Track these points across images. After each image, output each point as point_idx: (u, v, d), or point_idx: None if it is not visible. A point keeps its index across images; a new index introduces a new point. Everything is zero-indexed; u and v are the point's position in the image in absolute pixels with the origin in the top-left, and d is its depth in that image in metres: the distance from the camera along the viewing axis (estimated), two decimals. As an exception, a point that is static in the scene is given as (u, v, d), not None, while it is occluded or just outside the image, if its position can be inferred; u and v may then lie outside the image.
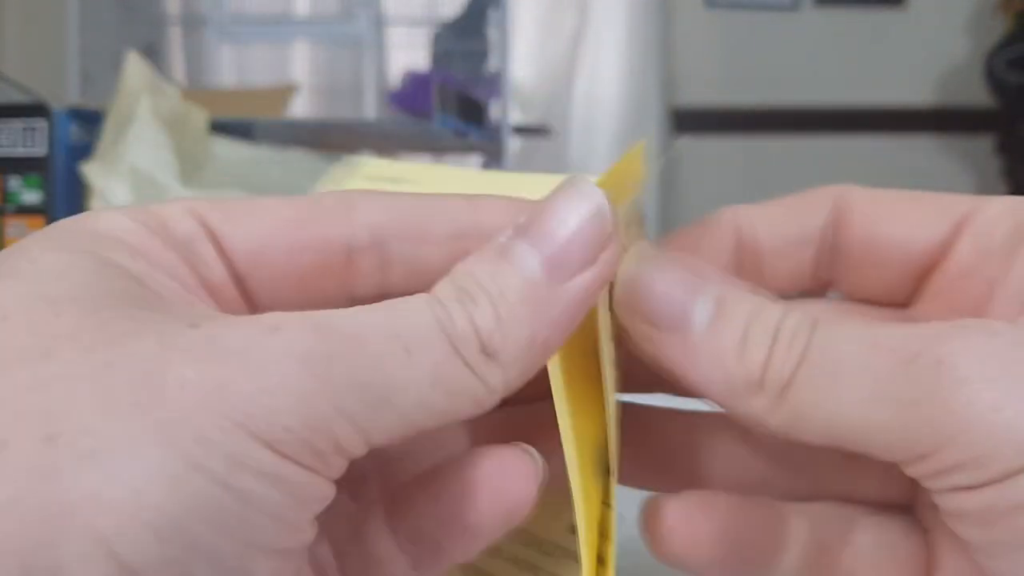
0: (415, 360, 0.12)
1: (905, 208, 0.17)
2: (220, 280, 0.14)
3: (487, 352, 0.13)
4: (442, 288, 0.13)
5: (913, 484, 0.15)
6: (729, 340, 0.14)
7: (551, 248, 0.13)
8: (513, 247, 0.13)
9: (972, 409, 0.13)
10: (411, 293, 0.13)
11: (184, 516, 0.10)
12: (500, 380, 0.13)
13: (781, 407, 0.14)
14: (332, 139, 1.10)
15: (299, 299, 0.15)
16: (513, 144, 1.83)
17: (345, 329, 0.12)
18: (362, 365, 0.12)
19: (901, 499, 0.16)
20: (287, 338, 0.12)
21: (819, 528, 0.16)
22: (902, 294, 0.17)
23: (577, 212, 0.13)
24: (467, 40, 1.80)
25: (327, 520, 0.13)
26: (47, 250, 0.13)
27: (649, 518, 0.16)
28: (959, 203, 0.16)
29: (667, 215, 1.89)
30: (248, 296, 0.15)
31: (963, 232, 0.16)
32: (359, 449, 0.12)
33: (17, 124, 0.56)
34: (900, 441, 0.13)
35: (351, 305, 0.13)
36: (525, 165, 1.97)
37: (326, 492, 0.12)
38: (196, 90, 1.63)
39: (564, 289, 0.13)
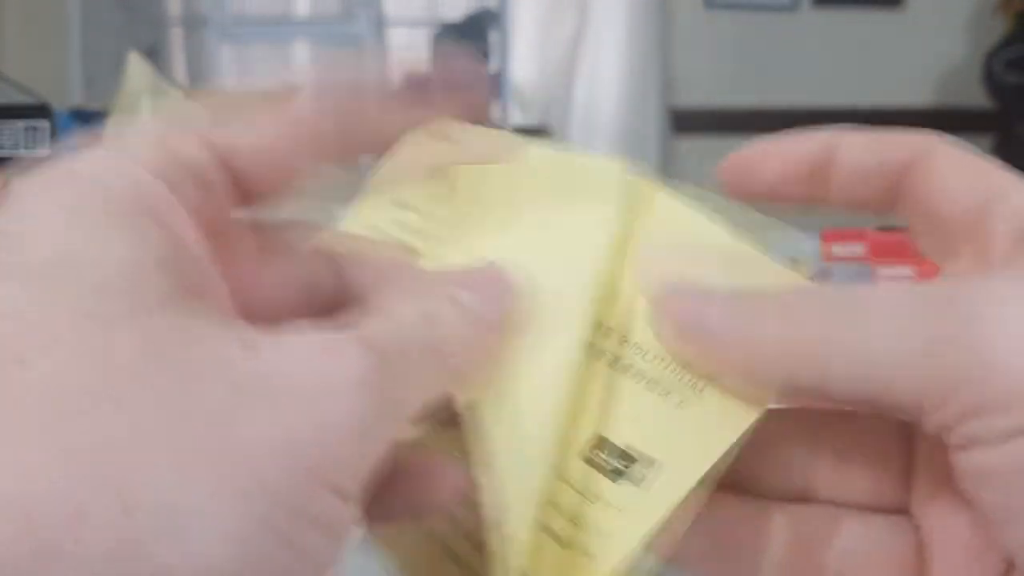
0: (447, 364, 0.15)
1: (963, 168, 0.17)
2: (223, 200, 0.15)
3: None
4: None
5: (906, 483, 0.15)
6: (751, 312, 0.15)
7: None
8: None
9: (999, 353, 0.13)
10: None
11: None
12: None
13: (809, 358, 0.14)
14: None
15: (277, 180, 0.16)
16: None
17: (391, 347, 0.13)
18: (407, 383, 0.13)
19: (893, 502, 0.16)
20: (343, 363, 0.12)
21: (804, 527, 0.16)
22: (944, 250, 0.17)
23: None
24: (467, 41, 1.80)
25: None
26: (72, 227, 0.12)
27: None
28: (992, 178, 0.17)
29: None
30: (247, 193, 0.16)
31: (995, 213, 0.16)
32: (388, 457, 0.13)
33: (19, 124, 0.57)
34: (925, 379, 0.13)
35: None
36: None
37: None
38: (198, 90, 1.63)
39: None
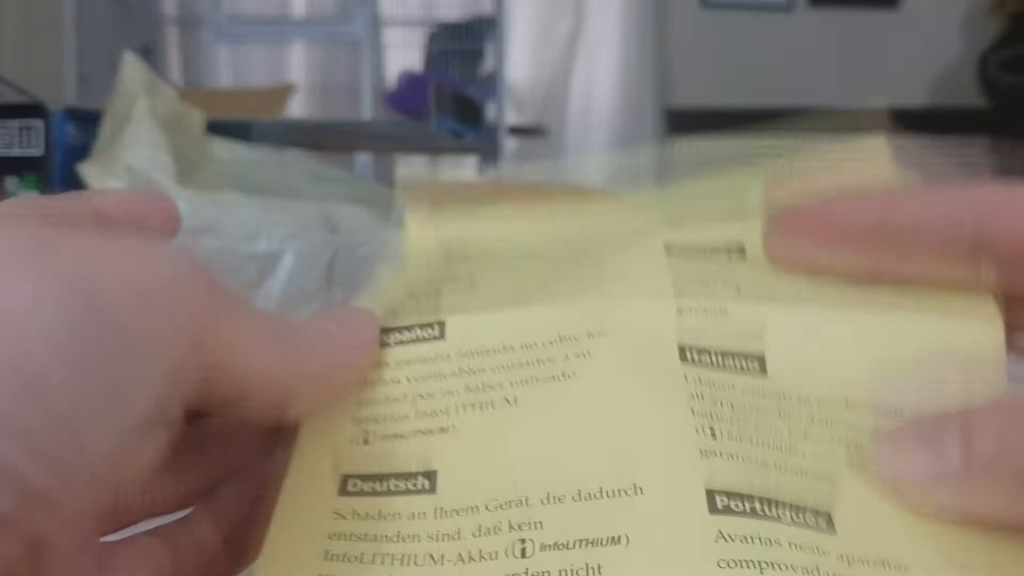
0: None
1: None
2: None
3: None
4: None
5: None
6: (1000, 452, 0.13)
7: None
8: None
9: None
10: None
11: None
12: None
13: None
14: (329, 140, 1.10)
15: None
16: (509, 145, 1.83)
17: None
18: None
19: None
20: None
21: None
22: None
23: None
24: (463, 42, 1.80)
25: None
26: None
27: None
28: None
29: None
30: None
31: None
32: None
33: (14, 124, 0.57)
34: None
35: None
36: (520, 165, 1.97)
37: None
38: (193, 91, 1.63)
39: None
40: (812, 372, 0.16)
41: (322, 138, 1.10)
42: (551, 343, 0.17)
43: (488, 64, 1.84)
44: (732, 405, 0.15)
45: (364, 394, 0.17)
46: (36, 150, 0.56)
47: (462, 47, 1.83)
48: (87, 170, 0.51)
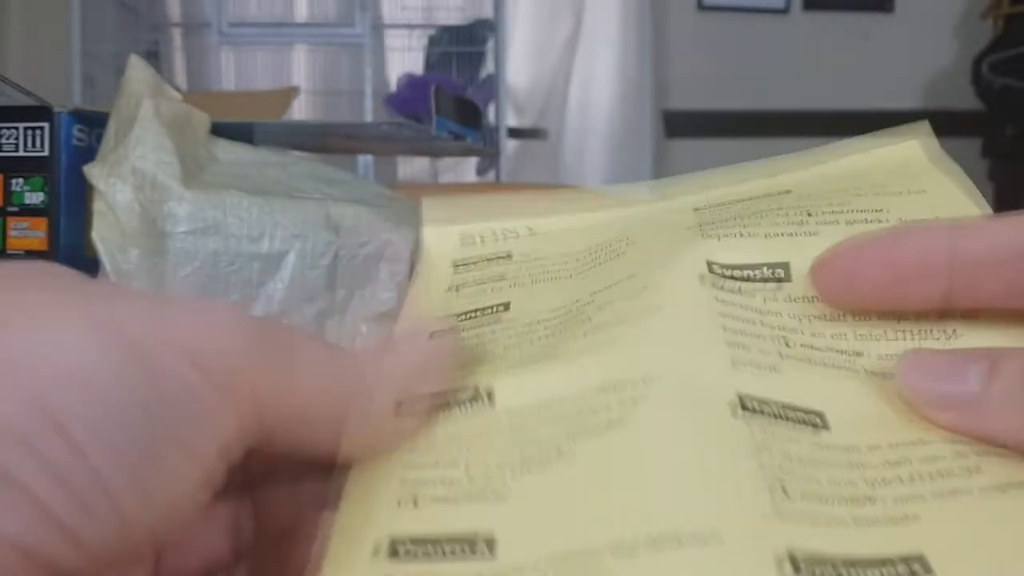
0: None
1: None
2: None
3: None
4: None
5: None
6: (1018, 387, 0.15)
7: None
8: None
9: None
10: None
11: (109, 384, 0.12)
12: None
13: None
14: (331, 142, 1.11)
15: None
16: (508, 147, 1.84)
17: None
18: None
19: None
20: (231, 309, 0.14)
21: None
22: None
23: None
24: (463, 45, 1.81)
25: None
26: None
27: None
28: None
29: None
30: None
31: None
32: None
33: (20, 126, 0.57)
34: None
35: None
36: (519, 167, 1.98)
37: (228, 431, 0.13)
38: (197, 93, 1.64)
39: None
40: (877, 423, 0.16)
41: (324, 140, 1.11)
42: (600, 391, 0.16)
43: (488, 67, 1.85)
44: (800, 459, 0.15)
45: (411, 457, 0.16)
46: (42, 152, 0.57)
47: (462, 50, 1.83)
48: (93, 171, 0.52)
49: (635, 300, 0.18)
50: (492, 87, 1.75)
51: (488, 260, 0.21)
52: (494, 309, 0.19)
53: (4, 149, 0.55)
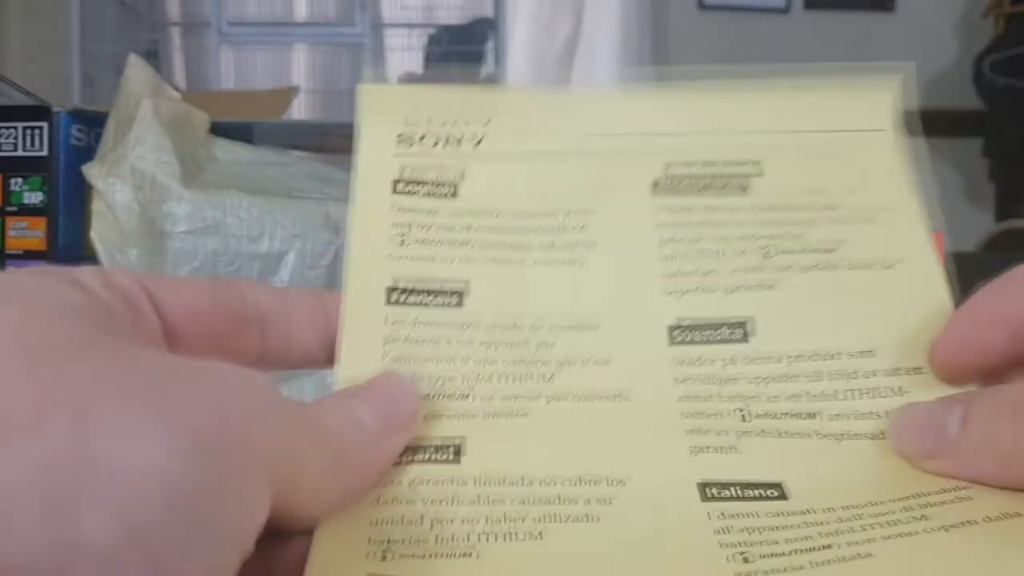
0: None
1: None
2: (155, 331, 0.17)
3: None
4: None
5: None
6: (987, 431, 0.17)
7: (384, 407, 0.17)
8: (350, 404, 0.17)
9: None
10: (280, 360, 0.18)
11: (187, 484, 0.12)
12: None
13: None
14: (331, 141, 1.11)
15: (208, 352, 0.18)
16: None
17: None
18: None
19: None
20: (262, 377, 0.15)
21: None
22: None
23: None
24: (463, 44, 1.81)
25: None
26: (40, 278, 0.15)
27: None
28: None
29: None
30: (172, 345, 0.17)
31: None
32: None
33: (19, 126, 0.57)
34: None
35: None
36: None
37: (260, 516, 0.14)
38: (197, 93, 1.64)
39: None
40: (832, 486, 0.17)
41: (324, 139, 1.11)
42: (572, 482, 0.17)
43: (488, 66, 1.85)
44: (759, 529, 0.16)
45: (379, 512, 0.17)
46: (41, 151, 0.57)
47: (462, 50, 1.83)
48: (92, 171, 0.52)
49: (599, 378, 0.19)
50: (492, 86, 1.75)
51: (432, 193, 0.22)
52: (448, 297, 0.20)
53: (3, 149, 0.55)
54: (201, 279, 0.18)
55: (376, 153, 0.22)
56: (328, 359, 0.20)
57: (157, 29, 1.87)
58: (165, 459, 0.12)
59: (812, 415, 0.18)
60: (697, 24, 2.08)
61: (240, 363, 0.17)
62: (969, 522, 0.16)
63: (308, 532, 0.16)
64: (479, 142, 0.22)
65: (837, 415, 0.18)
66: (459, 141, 0.22)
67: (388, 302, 0.20)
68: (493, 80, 1.76)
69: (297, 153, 0.67)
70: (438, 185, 0.21)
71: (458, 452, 0.18)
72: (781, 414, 0.18)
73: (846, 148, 0.22)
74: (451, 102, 0.22)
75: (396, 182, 0.21)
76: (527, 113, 0.23)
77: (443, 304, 0.20)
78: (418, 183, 0.21)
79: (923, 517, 0.16)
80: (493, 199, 0.21)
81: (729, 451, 0.18)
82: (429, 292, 0.20)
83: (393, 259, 0.20)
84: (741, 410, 0.19)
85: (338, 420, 0.16)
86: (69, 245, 0.54)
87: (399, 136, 0.22)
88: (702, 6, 2.07)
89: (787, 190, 0.22)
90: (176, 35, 1.92)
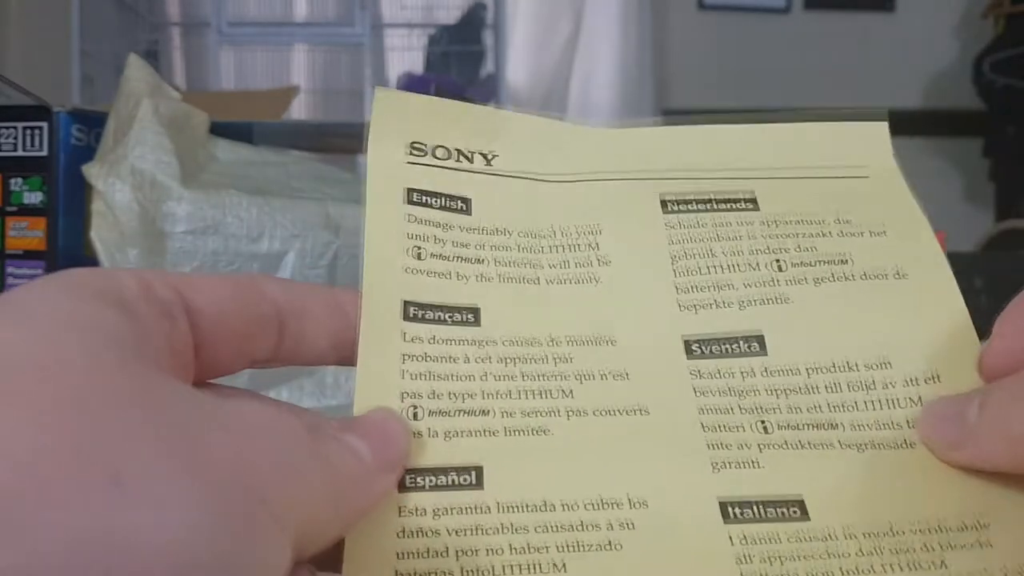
0: None
1: None
2: (186, 345, 0.17)
3: None
4: None
5: None
6: (1001, 415, 0.17)
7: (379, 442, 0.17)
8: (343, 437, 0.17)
9: None
10: (293, 358, 0.19)
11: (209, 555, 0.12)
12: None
13: None
14: (331, 141, 1.11)
15: (232, 354, 0.18)
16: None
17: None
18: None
19: None
20: (293, 422, 0.15)
21: None
22: None
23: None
24: (463, 43, 1.81)
25: None
26: (76, 299, 0.15)
27: None
28: None
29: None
30: (199, 350, 0.18)
31: None
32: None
33: (19, 126, 0.57)
34: None
35: (251, 365, 0.17)
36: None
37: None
38: (197, 93, 1.64)
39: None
40: (852, 503, 0.17)
41: (324, 139, 1.11)
42: (593, 506, 0.17)
43: (488, 66, 1.85)
44: (780, 557, 0.16)
45: (405, 545, 0.17)
46: (40, 151, 0.57)
47: (462, 49, 1.83)
48: (91, 171, 0.52)
49: (618, 393, 0.19)
50: (492, 86, 1.75)
51: (446, 207, 0.22)
52: (463, 315, 0.20)
53: (3, 149, 0.55)
54: (225, 279, 0.18)
55: (388, 158, 0.22)
56: (339, 358, 0.20)
57: (157, 29, 1.87)
58: (193, 534, 0.12)
59: (833, 425, 0.19)
60: (697, 24, 2.08)
61: (256, 363, 0.18)
62: (986, 571, 0.16)
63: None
64: (490, 161, 0.22)
65: (858, 425, 0.18)
66: (471, 157, 0.22)
67: (405, 317, 0.20)
68: (493, 80, 1.76)
69: (297, 153, 0.67)
70: (451, 199, 0.21)
71: (480, 476, 0.18)
72: (802, 425, 0.19)
73: (848, 181, 0.23)
74: (465, 119, 0.22)
75: (410, 191, 0.21)
76: (537, 138, 0.23)
77: (460, 322, 0.20)
78: (432, 195, 0.21)
79: (943, 564, 0.16)
80: (505, 218, 0.21)
81: (751, 465, 0.18)
82: (446, 309, 0.20)
83: (410, 273, 0.20)
84: (763, 422, 0.19)
85: (340, 454, 0.16)
86: (69, 245, 0.54)
87: (412, 144, 0.22)
88: (702, 6, 2.07)
89: (795, 208, 0.22)
90: (176, 35, 1.92)
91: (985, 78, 1.80)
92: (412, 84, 1.74)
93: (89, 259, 0.50)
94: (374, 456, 0.17)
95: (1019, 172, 1.79)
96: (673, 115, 2.05)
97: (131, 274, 0.16)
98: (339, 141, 1.16)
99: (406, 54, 1.94)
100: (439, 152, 0.22)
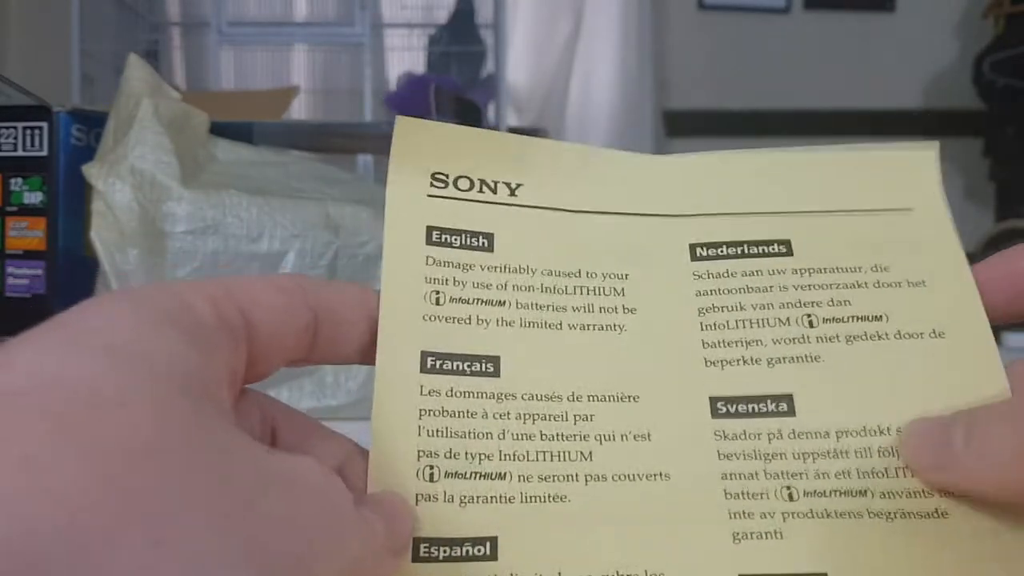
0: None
1: None
2: (242, 365, 0.17)
3: None
4: None
5: None
6: (986, 441, 0.17)
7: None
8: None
9: None
10: (320, 359, 0.19)
11: None
12: None
13: None
14: (331, 141, 1.11)
15: (275, 362, 0.18)
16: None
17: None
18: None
19: None
20: (339, 484, 0.16)
21: None
22: None
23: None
24: (461, 41, 1.81)
25: None
26: (143, 323, 0.15)
27: None
28: None
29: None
30: (249, 364, 0.18)
31: None
32: None
33: (19, 126, 0.57)
34: None
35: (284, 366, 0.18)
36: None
37: None
38: (196, 93, 1.64)
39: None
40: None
41: (324, 139, 1.11)
42: None
43: (488, 67, 1.85)
44: None
45: None
46: (40, 151, 0.57)
47: (462, 49, 1.83)
48: (91, 171, 0.51)
49: (639, 455, 0.19)
50: (492, 86, 1.75)
51: (468, 245, 0.21)
52: (482, 364, 0.20)
53: (3, 149, 0.55)
54: (274, 286, 0.18)
55: (409, 190, 0.21)
56: (366, 359, 0.19)
57: (157, 29, 1.87)
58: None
59: (863, 492, 0.18)
60: (697, 24, 2.08)
61: (288, 365, 0.18)
62: None
63: None
64: (514, 191, 0.22)
65: (888, 492, 0.18)
66: (495, 187, 0.22)
67: (423, 369, 0.19)
68: (493, 80, 1.76)
69: (297, 153, 0.67)
70: (473, 236, 0.21)
71: (495, 547, 0.17)
72: (829, 491, 0.18)
73: (890, 219, 0.22)
74: (489, 147, 0.22)
75: (431, 229, 0.21)
76: (564, 167, 0.22)
77: (479, 372, 0.19)
78: (453, 232, 0.21)
79: None
80: (529, 255, 0.21)
81: (773, 536, 0.18)
82: (465, 359, 0.19)
83: (428, 320, 0.20)
84: (788, 487, 0.18)
85: (360, 527, 0.16)
86: (69, 245, 0.54)
87: (434, 175, 0.21)
88: (702, 6, 2.07)
89: (831, 253, 0.21)
90: (176, 35, 1.92)
91: (985, 78, 1.80)
92: (412, 84, 1.74)
93: (89, 259, 0.50)
94: (387, 536, 0.17)
95: (1019, 172, 1.79)
96: (673, 115, 2.05)
97: (201, 294, 0.16)
98: (339, 141, 1.16)
99: (406, 54, 1.94)
100: (461, 183, 0.21)
